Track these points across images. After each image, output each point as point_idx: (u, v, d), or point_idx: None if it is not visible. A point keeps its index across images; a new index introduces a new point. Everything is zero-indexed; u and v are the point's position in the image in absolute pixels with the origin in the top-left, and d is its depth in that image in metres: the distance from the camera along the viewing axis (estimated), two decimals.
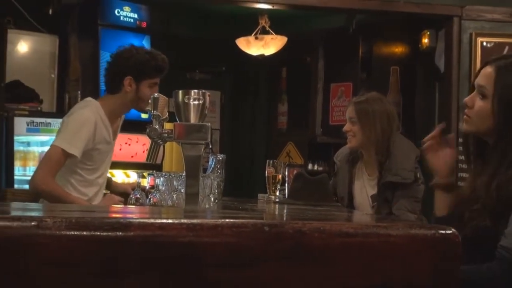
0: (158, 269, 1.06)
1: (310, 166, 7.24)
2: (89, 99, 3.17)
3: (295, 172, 3.14)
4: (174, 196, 2.22)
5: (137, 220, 1.09)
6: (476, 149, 2.01)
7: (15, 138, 5.23)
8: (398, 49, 7.03)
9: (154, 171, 2.49)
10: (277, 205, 2.84)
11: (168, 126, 2.14)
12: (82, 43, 5.81)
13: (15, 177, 5.20)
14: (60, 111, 5.68)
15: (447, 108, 5.57)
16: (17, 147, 5.26)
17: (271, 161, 3.28)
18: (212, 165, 2.56)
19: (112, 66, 3.13)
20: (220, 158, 2.60)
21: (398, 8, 5.56)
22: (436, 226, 1.18)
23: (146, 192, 2.49)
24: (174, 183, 2.25)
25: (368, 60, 7.07)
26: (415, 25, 6.50)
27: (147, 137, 2.12)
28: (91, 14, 5.78)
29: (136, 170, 2.79)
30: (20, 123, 5.23)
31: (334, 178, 3.44)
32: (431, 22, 6.19)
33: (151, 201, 2.30)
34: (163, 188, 2.26)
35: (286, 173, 3.20)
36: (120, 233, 1.05)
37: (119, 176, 5.54)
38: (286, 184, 3.18)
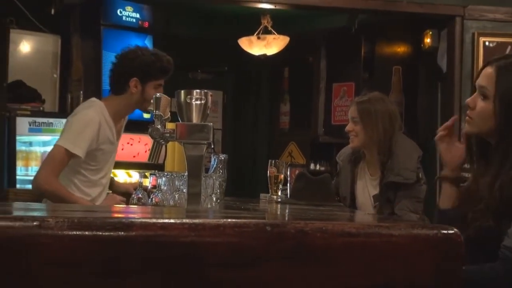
0: (160, 269, 1.06)
1: (312, 166, 7.23)
2: (93, 99, 3.17)
3: (297, 172, 3.14)
4: (176, 196, 2.22)
5: (139, 220, 1.09)
6: (478, 149, 2.01)
7: (17, 138, 5.24)
8: (401, 49, 7.02)
9: (156, 171, 2.49)
10: (279, 205, 2.84)
11: (170, 126, 2.14)
12: (84, 43, 5.81)
13: (17, 177, 5.21)
14: (62, 111, 5.69)
15: (450, 108, 5.57)
16: (19, 147, 5.27)
17: (273, 161, 3.27)
18: (214, 165, 2.56)
19: (117, 67, 3.13)
20: (222, 158, 2.60)
21: (401, 8, 5.56)
22: (438, 226, 1.17)
23: (148, 192, 2.49)
24: (176, 183, 2.25)
25: (371, 60, 7.06)
26: (418, 25, 6.50)
27: (149, 137, 2.12)
28: (93, 14, 5.78)
29: (138, 170, 2.78)
30: (22, 123, 5.23)
31: (336, 178, 3.43)
32: (434, 22, 6.19)
33: (153, 201, 2.30)
34: (165, 188, 2.26)
35: (288, 173, 3.20)
36: (122, 233, 1.05)
37: (121, 176, 5.54)
38: (288, 184, 3.18)
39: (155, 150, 2.21)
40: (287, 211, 2.34)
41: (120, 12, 5.84)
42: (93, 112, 3.01)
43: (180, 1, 6.64)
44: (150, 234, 1.06)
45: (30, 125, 5.25)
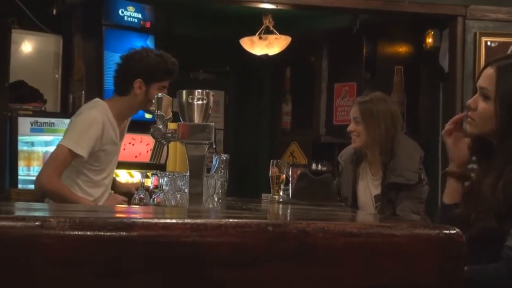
0: (162, 269, 1.06)
1: (314, 166, 7.23)
2: (97, 99, 3.17)
3: (299, 172, 3.13)
4: (178, 196, 2.22)
5: (141, 220, 1.09)
6: (481, 150, 2.01)
7: (19, 138, 5.24)
8: (402, 49, 7.02)
9: (158, 171, 2.49)
10: (281, 205, 2.83)
11: (172, 126, 2.14)
12: (86, 43, 5.82)
13: (19, 177, 5.21)
14: (64, 111, 5.70)
15: (451, 107, 5.56)
16: (21, 147, 5.27)
17: (275, 161, 3.27)
18: (216, 165, 2.56)
19: (122, 68, 3.13)
20: (224, 158, 2.60)
21: (402, 8, 5.55)
22: (440, 226, 1.17)
23: (149, 192, 2.49)
24: (178, 183, 2.25)
25: (372, 60, 7.06)
26: (419, 25, 6.50)
27: (151, 137, 2.12)
28: (95, 14, 5.79)
29: (140, 170, 2.79)
30: (24, 123, 5.23)
31: (338, 178, 3.43)
32: (435, 22, 6.18)
33: (155, 201, 2.30)
34: (167, 188, 2.26)
35: (290, 173, 3.19)
36: (124, 233, 1.05)
37: (123, 176, 5.55)
38: (290, 184, 3.18)
39: (157, 150, 2.21)
40: (288, 211, 2.34)
41: (122, 12, 5.84)
42: (97, 113, 3.01)
43: (182, 1, 6.64)
44: (152, 234, 1.06)
45: (32, 125, 5.25)
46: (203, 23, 7.33)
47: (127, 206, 2.89)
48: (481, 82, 1.95)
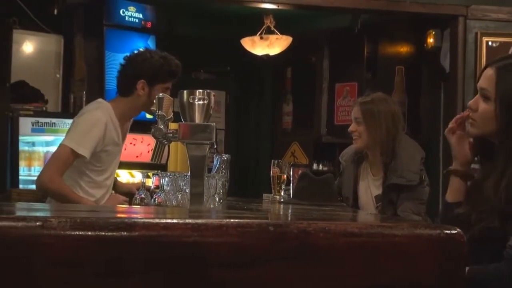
0: (163, 269, 1.06)
1: (315, 166, 7.24)
2: (100, 100, 3.18)
3: (300, 172, 3.13)
4: (179, 196, 2.22)
5: (142, 220, 1.09)
6: (483, 151, 2.01)
7: (20, 138, 5.25)
8: (404, 49, 7.02)
9: (159, 171, 2.50)
10: (282, 205, 2.83)
11: (173, 126, 2.14)
12: (87, 43, 5.82)
13: (20, 177, 5.22)
14: (65, 111, 5.70)
15: (453, 108, 5.56)
16: (22, 147, 5.28)
17: (276, 161, 3.27)
18: (217, 165, 2.56)
19: (126, 69, 3.13)
20: (225, 158, 2.60)
21: (403, 8, 5.56)
22: (441, 226, 1.17)
23: (151, 192, 2.49)
24: (179, 183, 2.25)
25: (373, 60, 7.06)
26: (420, 25, 6.49)
27: (152, 137, 2.12)
28: (96, 14, 5.79)
29: (141, 170, 2.79)
30: (25, 123, 5.24)
31: (339, 178, 3.43)
32: (437, 22, 6.18)
33: (156, 201, 2.30)
34: (168, 188, 2.26)
35: (291, 173, 3.19)
36: (125, 233, 1.05)
37: (124, 176, 5.55)
38: (291, 184, 3.18)
39: (158, 150, 2.21)
40: (289, 211, 2.33)
41: (123, 12, 5.84)
42: (100, 113, 3.02)
43: (183, 1, 6.64)
44: (153, 234, 1.06)
45: (33, 125, 5.26)
46: (205, 23, 7.33)
47: (128, 206, 2.89)
48: (481, 83, 1.95)
